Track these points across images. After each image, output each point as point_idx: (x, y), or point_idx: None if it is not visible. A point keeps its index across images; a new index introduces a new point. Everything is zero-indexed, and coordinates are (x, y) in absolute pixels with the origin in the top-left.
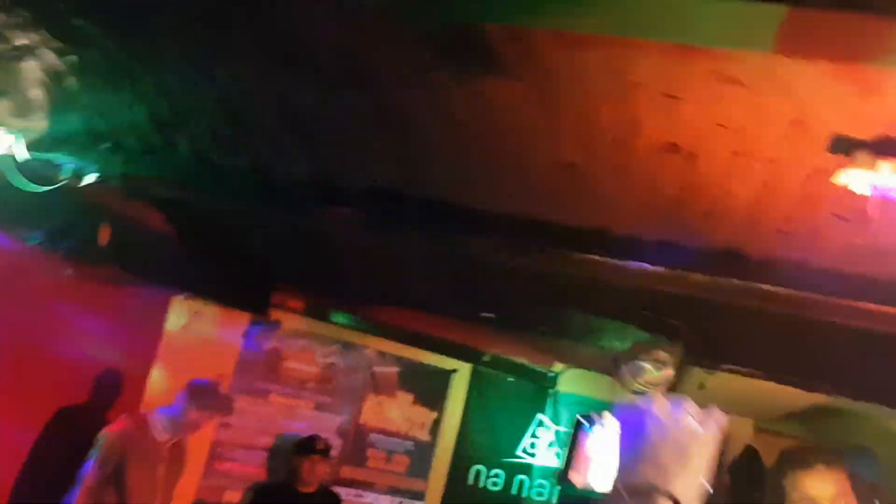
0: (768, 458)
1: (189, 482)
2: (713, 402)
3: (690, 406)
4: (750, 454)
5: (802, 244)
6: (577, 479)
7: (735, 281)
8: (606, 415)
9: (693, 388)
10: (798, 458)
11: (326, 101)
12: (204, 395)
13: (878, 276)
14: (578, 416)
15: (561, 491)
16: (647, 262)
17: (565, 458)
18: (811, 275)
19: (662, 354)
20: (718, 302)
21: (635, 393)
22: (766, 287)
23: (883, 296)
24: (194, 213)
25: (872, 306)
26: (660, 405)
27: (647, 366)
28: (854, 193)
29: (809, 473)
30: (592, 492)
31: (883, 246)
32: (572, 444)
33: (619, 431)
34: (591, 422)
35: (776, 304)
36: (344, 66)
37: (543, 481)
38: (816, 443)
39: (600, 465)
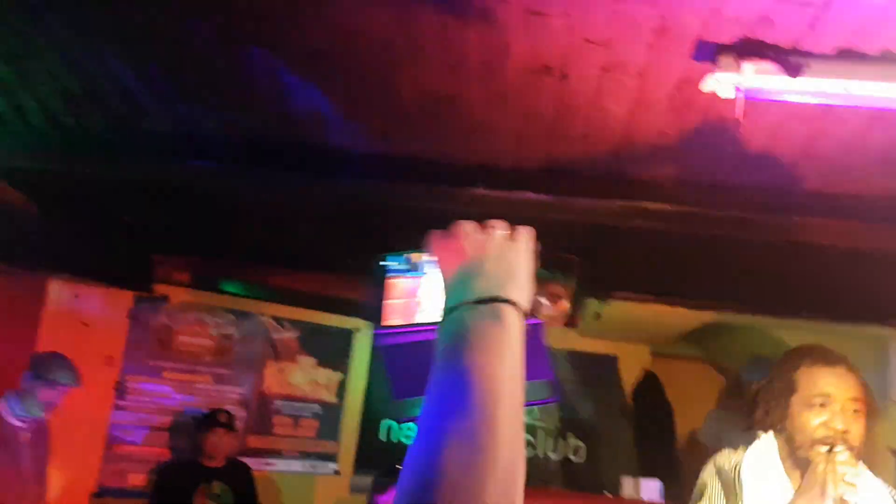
0: (666, 382)
1: (89, 468)
2: (610, 331)
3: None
4: (649, 379)
5: (678, 158)
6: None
7: (618, 202)
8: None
9: (590, 318)
10: (819, 355)
11: (180, 52)
12: (47, 368)
13: (753, 185)
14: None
15: (376, 338)
16: (532, 192)
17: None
18: (690, 188)
19: (557, 288)
20: (606, 226)
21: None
22: (648, 205)
23: (761, 204)
24: (55, 185)
25: (752, 216)
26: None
27: (543, 300)
28: (723, 100)
29: (832, 371)
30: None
31: (755, 153)
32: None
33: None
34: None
35: (660, 223)
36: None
37: None
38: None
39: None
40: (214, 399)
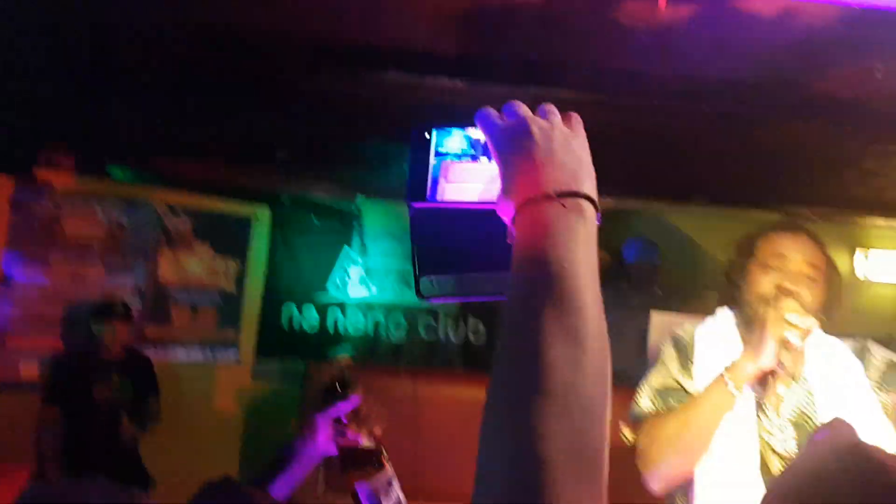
0: None
1: None
2: None
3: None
4: None
5: (595, 45)
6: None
7: (533, 88)
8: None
9: None
10: (783, 224)
11: None
12: None
13: (665, 73)
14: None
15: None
16: (447, 76)
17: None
18: (603, 76)
19: None
20: None
21: None
22: (562, 93)
23: (670, 93)
24: None
25: (660, 103)
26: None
27: None
28: None
29: (792, 236)
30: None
31: (673, 41)
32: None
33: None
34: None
35: (572, 110)
36: None
37: (358, 314)
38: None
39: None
40: (108, 289)
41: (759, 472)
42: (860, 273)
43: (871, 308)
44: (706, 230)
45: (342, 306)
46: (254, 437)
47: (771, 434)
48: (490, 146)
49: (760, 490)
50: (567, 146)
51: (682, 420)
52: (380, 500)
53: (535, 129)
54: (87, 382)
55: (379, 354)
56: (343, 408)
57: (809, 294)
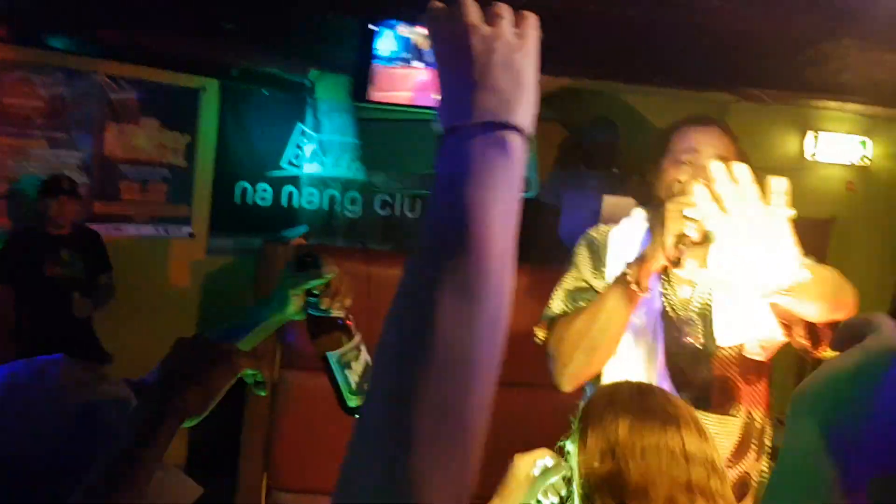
0: None
1: None
2: None
3: None
4: None
5: None
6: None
7: None
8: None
9: None
10: (695, 118)
11: None
12: None
13: None
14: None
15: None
16: None
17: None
18: None
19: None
20: None
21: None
22: None
23: None
24: None
25: None
26: None
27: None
28: None
29: (704, 129)
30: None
31: None
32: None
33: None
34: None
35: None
36: None
37: (312, 190)
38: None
39: None
40: (52, 164)
41: (665, 369)
42: (809, 154)
43: (818, 189)
44: (665, 112)
45: (296, 182)
46: (209, 312)
47: (679, 328)
48: (433, 49)
49: (669, 386)
50: (508, 62)
51: (587, 318)
52: (350, 365)
53: (475, 42)
54: (36, 259)
55: (334, 231)
56: (314, 281)
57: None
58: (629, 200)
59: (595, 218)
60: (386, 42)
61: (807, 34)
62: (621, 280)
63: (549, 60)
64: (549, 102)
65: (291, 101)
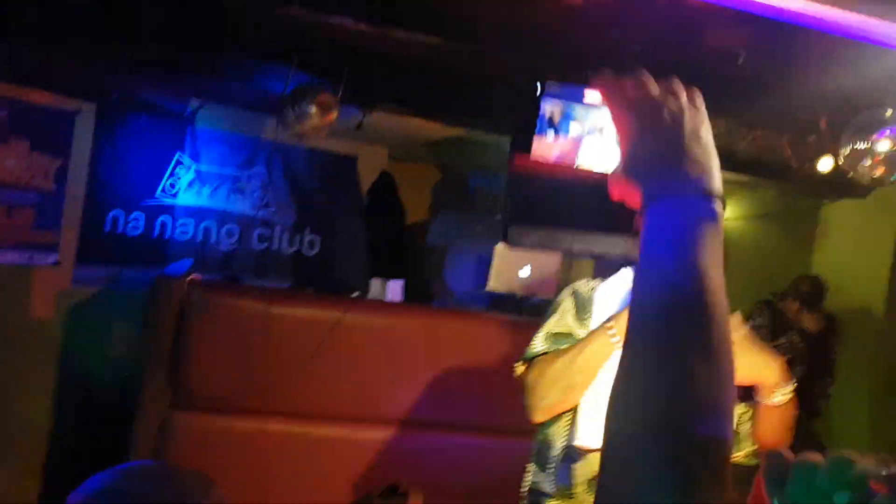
0: (400, 183)
1: None
2: (363, 137)
3: None
4: (386, 179)
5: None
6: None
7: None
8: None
9: (350, 127)
10: None
11: None
12: None
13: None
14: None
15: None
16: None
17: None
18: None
19: (326, 98)
20: (370, 45)
21: (299, 136)
22: (421, 37)
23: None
24: None
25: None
26: None
27: (312, 110)
28: None
29: None
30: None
31: (580, 9)
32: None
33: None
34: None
35: (427, 49)
36: None
37: (187, 220)
38: None
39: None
40: None
41: None
42: None
43: None
44: None
45: (171, 211)
46: (72, 344)
47: None
48: (614, 118)
49: None
50: (697, 134)
51: (568, 360)
52: None
53: (667, 114)
54: None
55: (208, 262)
56: None
57: None
58: (520, 249)
59: (483, 261)
60: (563, 106)
61: None
62: (603, 330)
63: (445, 107)
64: (433, 146)
65: (170, 129)
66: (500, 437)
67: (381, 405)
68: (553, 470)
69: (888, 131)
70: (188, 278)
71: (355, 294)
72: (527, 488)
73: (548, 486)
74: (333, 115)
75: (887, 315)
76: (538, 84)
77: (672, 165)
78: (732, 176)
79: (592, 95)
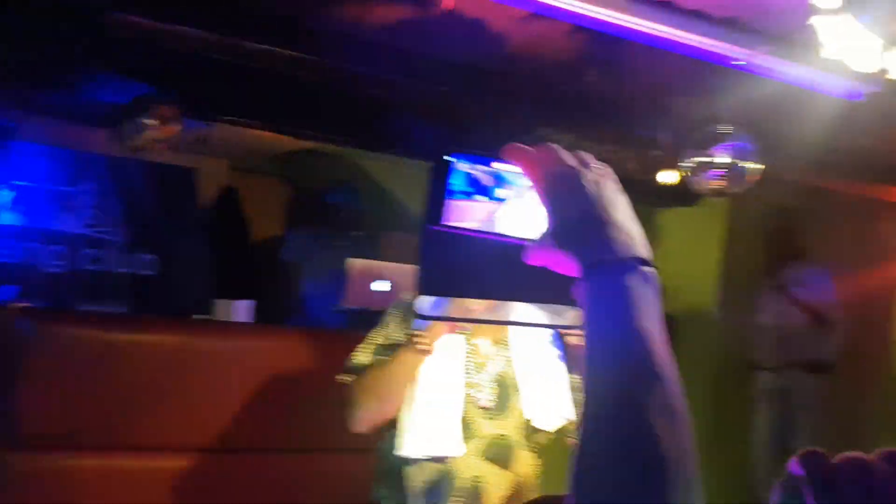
0: (245, 196)
1: None
2: (204, 149)
3: None
4: (229, 194)
5: (353, 15)
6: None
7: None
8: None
9: (193, 141)
10: None
11: None
12: None
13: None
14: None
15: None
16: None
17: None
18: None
19: (167, 110)
20: (212, 56)
21: (136, 150)
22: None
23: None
24: None
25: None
26: None
27: (152, 122)
28: None
29: None
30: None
31: (432, 22)
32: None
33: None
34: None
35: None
36: None
37: (10, 243)
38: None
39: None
40: None
41: (460, 421)
42: None
43: None
44: (406, 178)
45: None
46: None
47: (474, 388)
48: (537, 189)
49: (458, 436)
50: (617, 202)
51: (380, 372)
52: None
53: (587, 184)
54: None
55: (35, 288)
56: None
57: None
58: (373, 263)
59: (339, 278)
60: (469, 172)
61: (530, 118)
62: (411, 343)
63: (292, 120)
64: (279, 158)
65: None
66: (353, 456)
67: (235, 432)
68: (391, 482)
69: (727, 146)
70: (13, 306)
71: (199, 316)
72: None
73: (388, 498)
74: (175, 127)
75: (718, 315)
76: (447, 154)
77: (602, 234)
78: None
79: (506, 164)
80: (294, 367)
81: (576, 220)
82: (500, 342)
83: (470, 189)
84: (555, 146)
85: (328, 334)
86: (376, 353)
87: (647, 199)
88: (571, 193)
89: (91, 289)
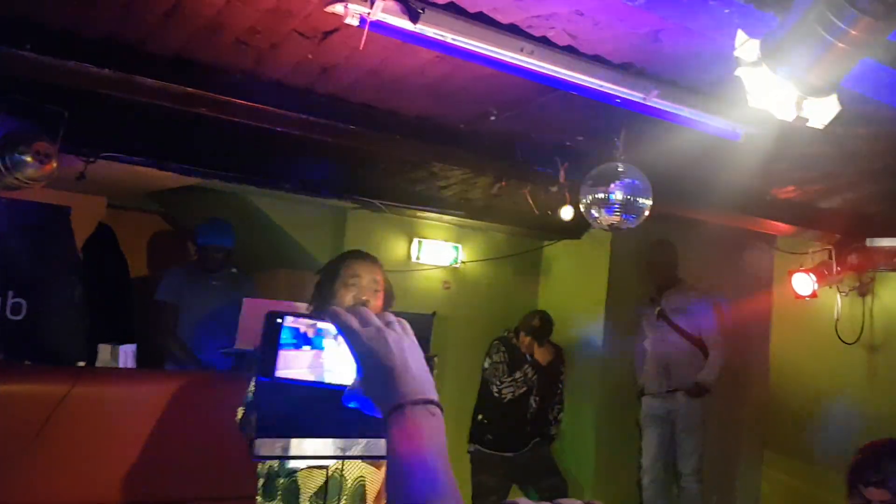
0: (122, 233)
1: None
2: (80, 186)
3: None
4: (103, 231)
5: (257, 56)
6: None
7: (113, 72)
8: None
9: (71, 177)
10: (357, 254)
11: None
12: None
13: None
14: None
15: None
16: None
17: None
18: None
19: (44, 146)
20: (99, 92)
21: (10, 188)
22: (149, 81)
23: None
24: None
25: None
26: None
27: (28, 159)
28: (320, 13)
29: (363, 262)
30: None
31: (330, 62)
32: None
33: None
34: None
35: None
36: None
37: None
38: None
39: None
40: None
41: None
42: (414, 257)
43: (422, 287)
44: (289, 213)
45: None
46: None
47: None
48: (351, 349)
49: None
50: (414, 355)
51: None
52: None
53: (391, 341)
54: None
55: None
56: None
57: (376, 299)
58: (269, 301)
59: (220, 318)
60: (296, 328)
61: (418, 157)
62: None
63: (176, 157)
64: (158, 195)
65: None
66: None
67: (121, 484)
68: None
69: (620, 183)
70: None
71: (81, 363)
72: None
73: None
74: (52, 164)
75: (605, 343)
76: (276, 316)
77: (401, 383)
78: (474, 223)
79: (325, 322)
80: (179, 411)
81: (381, 373)
82: None
83: (296, 340)
84: (364, 310)
85: (210, 376)
86: None
87: (536, 232)
88: (375, 350)
89: None
